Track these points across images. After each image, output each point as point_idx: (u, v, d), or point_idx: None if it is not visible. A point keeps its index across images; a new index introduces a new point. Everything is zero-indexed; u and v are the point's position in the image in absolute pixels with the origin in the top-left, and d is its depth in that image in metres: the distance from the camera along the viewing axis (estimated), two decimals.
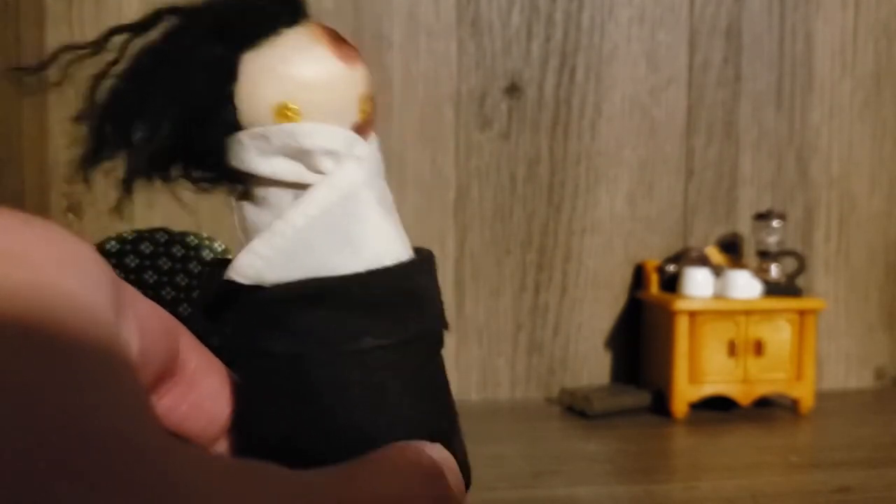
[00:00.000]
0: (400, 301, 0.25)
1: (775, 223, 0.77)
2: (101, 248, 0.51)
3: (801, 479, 0.56)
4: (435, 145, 0.77)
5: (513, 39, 0.78)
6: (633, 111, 0.80)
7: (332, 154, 0.25)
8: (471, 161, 0.77)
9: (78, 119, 0.26)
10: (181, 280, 0.52)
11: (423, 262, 0.27)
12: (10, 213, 0.18)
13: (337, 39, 0.26)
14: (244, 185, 0.26)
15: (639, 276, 0.80)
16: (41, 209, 0.69)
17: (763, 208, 0.80)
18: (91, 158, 0.26)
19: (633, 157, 0.80)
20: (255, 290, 0.25)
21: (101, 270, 0.19)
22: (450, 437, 0.26)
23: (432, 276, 0.27)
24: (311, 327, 0.24)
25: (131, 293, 0.21)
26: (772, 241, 0.77)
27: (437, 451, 0.23)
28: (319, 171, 0.25)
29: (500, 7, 0.77)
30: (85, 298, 0.17)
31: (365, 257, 0.25)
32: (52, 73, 0.26)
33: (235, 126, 0.25)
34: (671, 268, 0.77)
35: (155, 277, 0.50)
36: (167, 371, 0.24)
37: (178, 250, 0.53)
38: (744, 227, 0.82)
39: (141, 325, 0.21)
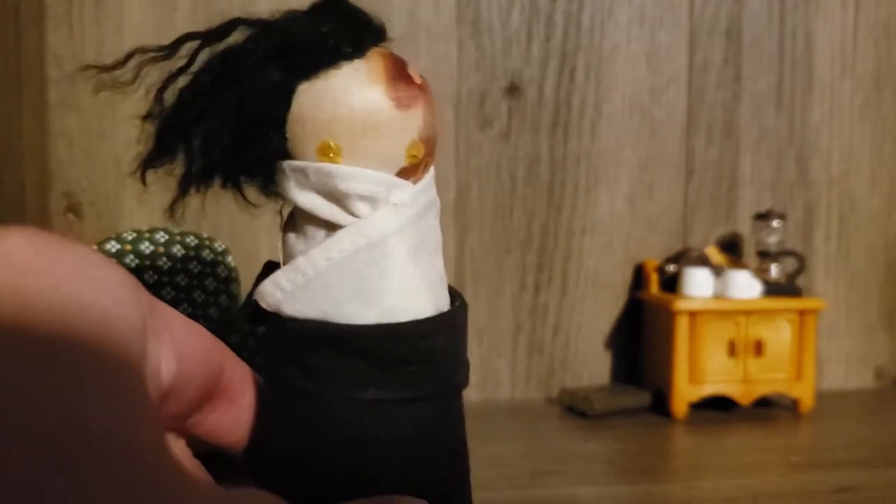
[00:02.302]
0: (412, 360, 0.25)
1: (775, 223, 0.77)
2: (101, 249, 0.51)
3: (801, 479, 0.56)
4: None
5: (513, 39, 0.78)
6: (633, 111, 0.80)
7: (367, 199, 0.25)
8: (471, 161, 0.77)
9: (146, 119, 0.26)
10: (181, 280, 0.52)
11: (447, 318, 0.26)
12: (45, 235, 0.18)
13: (397, 78, 0.25)
14: (290, 207, 0.27)
15: (639, 276, 0.80)
16: (41, 209, 0.69)
17: (763, 208, 0.80)
18: (151, 159, 0.26)
19: (633, 157, 0.80)
20: (274, 318, 0.25)
21: (131, 293, 0.19)
22: (455, 487, 0.26)
23: (456, 332, 0.26)
24: (321, 367, 0.24)
25: (170, 317, 0.22)
26: (772, 241, 0.77)
27: None
28: (354, 214, 0.25)
29: (500, 7, 0.77)
30: (110, 316, 0.17)
31: (379, 310, 0.24)
32: (124, 73, 0.26)
33: (284, 153, 0.25)
34: (671, 268, 0.77)
35: (155, 277, 0.50)
36: (213, 390, 0.24)
37: (178, 250, 0.53)
38: (744, 227, 0.82)
39: (179, 348, 0.21)
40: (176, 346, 0.21)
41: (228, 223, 0.70)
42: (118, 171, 0.70)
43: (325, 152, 0.24)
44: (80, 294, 0.17)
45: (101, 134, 0.71)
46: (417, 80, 0.25)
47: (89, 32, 0.70)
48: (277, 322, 0.25)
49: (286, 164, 0.25)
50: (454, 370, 0.26)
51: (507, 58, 0.77)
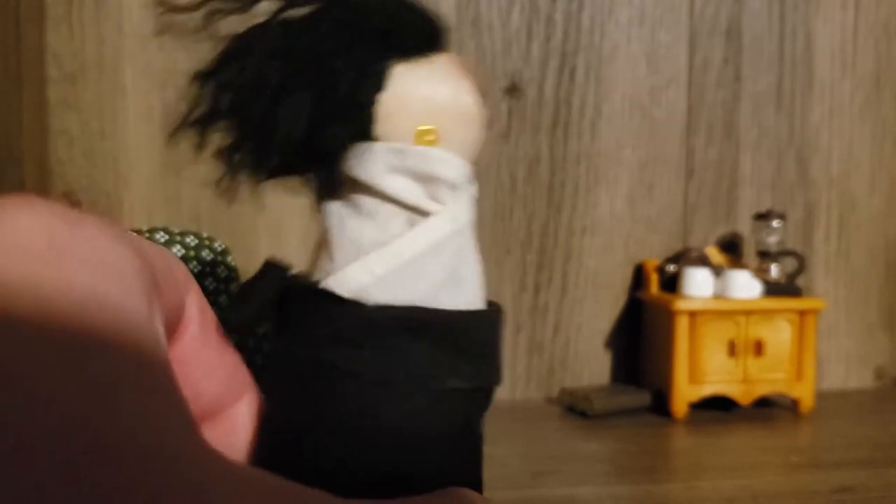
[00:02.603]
0: (486, 349, 0.25)
1: (775, 223, 0.77)
2: None
3: (801, 479, 0.56)
4: None
5: (513, 39, 0.78)
6: (633, 111, 0.80)
7: (455, 188, 0.25)
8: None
9: (202, 76, 0.24)
10: None
11: (499, 313, 0.26)
12: (52, 213, 0.17)
13: (475, 78, 0.25)
14: (346, 192, 0.25)
15: (639, 276, 0.80)
16: None
17: (763, 208, 0.80)
18: (202, 122, 0.24)
19: (633, 157, 0.80)
20: (355, 305, 0.24)
21: (138, 270, 0.18)
22: (480, 482, 0.26)
23: (502, 327, 0.27)
24: (407, 355, 0.23)
25: (157, 270, 0.20)
26: (772, 241, 0.77)
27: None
28: (437, 201, 0.25)
29: (500, 7, 0.77)
30: (125, 306, 0.17)
31: (464, 296, 0.25)
32: (192, 18, 0.24)
33: (367, 134, 0.24)
34: (671, 268, 0.77)
35: None
36: (172, 332, 0.22)
37: (178, 250, 0.53)
38: (744, 227, 0.82)
39: (164, 303, 0.20)
40: (163, 312, 0.20)
41: (228, 223, 0.70)
42: (118, 171, 0.70)
43: (424, 136, 0.24)
44: (95, 283, 0.16)
45: (101, 134, 0.71)
46: None
47: (89, 32, 0.70)
48: (358, 309, 0.24)
49: (380, 144, 0.24)
50: (500, 364, 0.26)
51: (507, 58, 0.77)
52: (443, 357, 0.24)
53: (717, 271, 0.75)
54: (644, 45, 0.80)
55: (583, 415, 0.72)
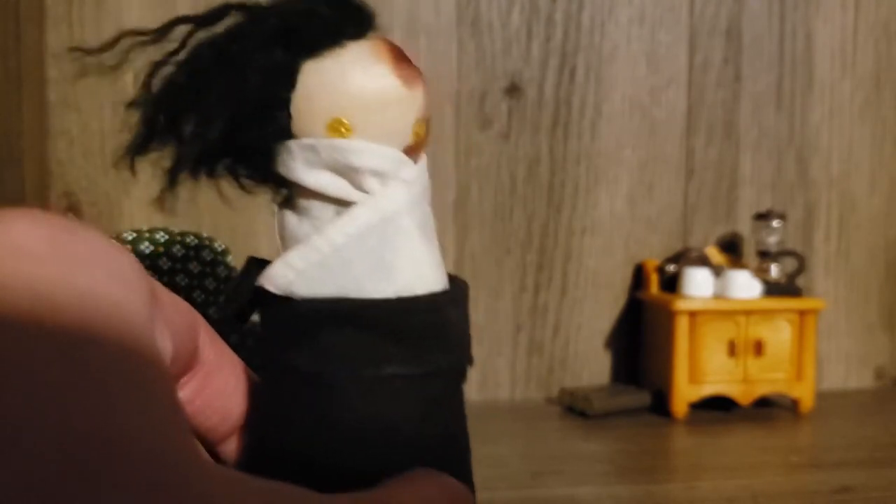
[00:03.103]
0: (427, 333, 0.25)
1: (775, 223, 0.77)
2: None
3: (801, 479, 0.56)
4: (435, 145, 0.77)
5: (513, 39, 0.78)
6: (633, 111, 0.80)
7: (379, 175, 0.25)
8: (471, 161, 0.77)
9: (132, 105, 0.25)
10: (181, 280, 0.52)
11: (455, 293, 0.26)
12: (51, 218, 0.17)
13: (400, 58, 0.25)
14: (288, 190, 0.26)
15: (639, 276, 0.80)
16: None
17: (763, 208, 0.80)
18: (139, 146, 0.26)
19: (633, 157, 0.80)
20: (285, 301, 0.25)
21: (138, 278, 0.18)
22: (463, 467, 0.26)
23: (464, 308, 0.27)
24: (336, 347, 0.24)
25: (162, 293, 0.21)
26: (772, 241, 0.77)
27: (448, 482, 0.23)
28: (364, 190, 0.25)
29: (500, 7, 0.77)
30: (126, 308, 0.17)
31: (397, 284, 0.24)
32: (111, 56, 0.25)
33: (287, 133, 0.25)
34: (671, 268, 0.77)
35: (155, 277, 0.50)
36: (187, 366, 0.23)
37: (178, 250, 0.53)
38: (744, 227, 0.82)
39: (171, 328, 0.21)
40: (169, 329, 0.21)
41: (228, 223, 0.70)
42: (118, 172, 0.70)
43: (337, 129, 0.24)
44: (95, 285, 0.16)
45: (101, 134, 0.71)
46: (414, 63, 0.26)
47: (89, 32, 0.70)
48: (288, 305, 0.25)
49: (294, 142, 0.25)
50: (463, 346, 0.26)
51: (507, 58, 0.77)
52: (372, 345, 0.24)
53: (717, 271, 0.75)
54: (644, 45, 0.80)
55: (583, 415, 0.72)
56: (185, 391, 0.24)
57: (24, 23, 0.66)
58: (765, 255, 0.77)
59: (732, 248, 0.82)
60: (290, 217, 0.26)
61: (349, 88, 0.24)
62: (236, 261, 0.59)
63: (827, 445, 0.66)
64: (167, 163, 0.26)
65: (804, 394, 0.74)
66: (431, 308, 0.25)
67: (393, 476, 0.22)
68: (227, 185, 0.27)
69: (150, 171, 0.27)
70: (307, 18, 0.24)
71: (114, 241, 0.19)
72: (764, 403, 0.75)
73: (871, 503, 0.51)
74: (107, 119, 0.71)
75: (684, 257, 0.76)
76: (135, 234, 0.53)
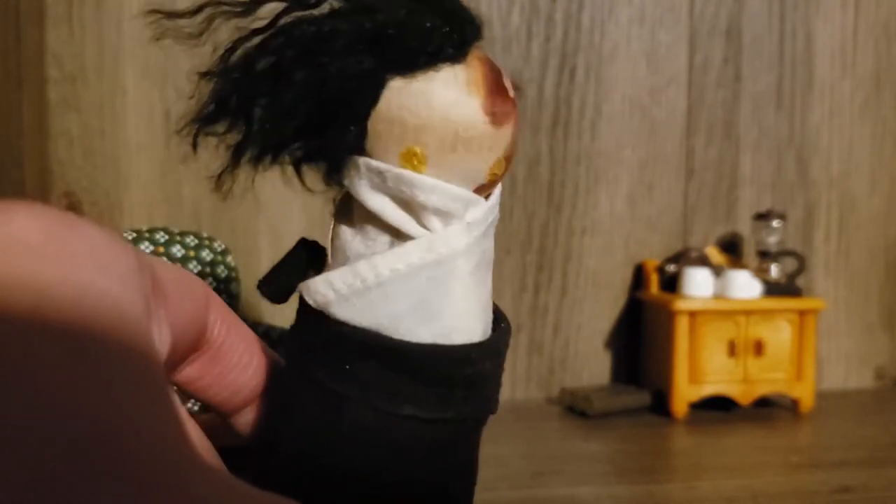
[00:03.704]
0: (456, 383, 0.24)
1: (775, 223, 0.77)
2: None
3: (801, 479, 0.56)
4: None
5: (513, 39, 0.78)
6: (633, 111, 0.80)
7: (442, 214, 0.23)
8: None
9: (206, 75, 0.24)
10: None
11: (494, 344, 0.25)
12: (49, 212, 0.17)
13: (495, 91, 0.23)
14: (347, 199, 0.25)
15: (639, 276, 0.80)
16: None
17: (763, 208, 0.80)
18: (207, 119, 0.24)
19: (633, 157, 0.80)
20: (320, 316, 0.24)
21: (136, 270, 0.18)
22: None
23: (500, 357, 0.25)
24: (359, 374, 0.23)
25: (164, 277, 0.20)
26: (772, 241, 0.77)
27: None
28: (424, 226, 0.24)
29: (499, 7, 0.77)
30: (125, 302, 0.17)
31: (434, 330, 0.23)
32: (192, 23, 0.24)
33: (359, 148, 0.23)
34: (671, 268, 0.77)
35: None
36: (196, 344, 0.23)
37: (178, 250, 0.53)
38: (744, 227, 0.82)
39: (173, 317, 0.20)
40: (170, 319, 0.21)
41: (228, 223, 0.70)
42: (118, 171, 0.70)
43: (410, 159, 0.23)
44: (95, 280, 0.16)
45: (101, 134, 0.71)
46: (511, 94, 0.24)
47: (89, 32, 0.70)
48: (321, 322, 0.24)
49: (363, 161, 0.23)
50: (490, 396, 0.25)
51: (507, 58, 0.77)
52: (397, 384, 0.23)
53: (717, 271, 0.75)
54: (644, 45, 0.80)
55: (583, 415, 0.72)
56: (195, 367, 0.24)
57: (24, 23, 0.66)
58: (765, 255, 0.77)
59: (732, 248, 0.82)
60: (345, 228, 0.25)
61: (432, 119, 0.22)
62: (236, 260, 0.59)
63: (827, 445, 0.66)
64: (232, 141, 0.24)
65: (804, 394, 0.74)
66: (464, 361, 0.24)
67: (393, 500, 0.22)
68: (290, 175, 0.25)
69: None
70: (406, 29, 0.22)
71: (115, 235, 0.18)
72: (764, 403, 0.75)
73: (871, 503, 0.51)
74: (107, 119, 0.71)
75: (684, 257, 0.76)
76: (135, 234, 0.53)
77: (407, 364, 0.23)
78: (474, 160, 0.23)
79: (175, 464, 0.15)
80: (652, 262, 0.79)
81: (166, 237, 0.53)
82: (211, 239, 0.56)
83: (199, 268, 0.53)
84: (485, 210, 0.24)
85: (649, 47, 0.80)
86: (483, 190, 0.24)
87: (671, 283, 0.77)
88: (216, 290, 0.54)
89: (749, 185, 0.83)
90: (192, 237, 0.55)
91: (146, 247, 0.52)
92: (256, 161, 0.24)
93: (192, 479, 0.15)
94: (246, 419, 0.26)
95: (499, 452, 0.60)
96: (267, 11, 0.23)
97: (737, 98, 0.82)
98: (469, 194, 0.24)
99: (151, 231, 0.53)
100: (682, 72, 0.81)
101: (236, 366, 0.25)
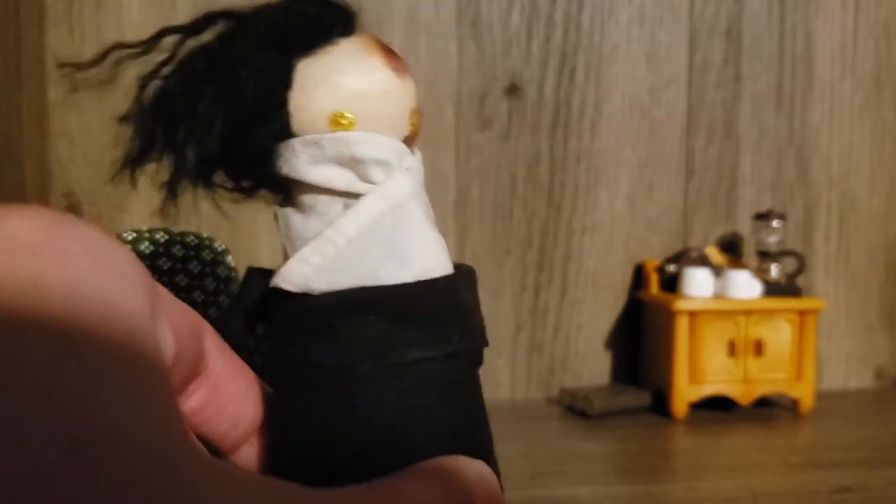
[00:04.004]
0: (446, 314, 0.25)
1: (775, 223, 0.77)
2: None
3: (801, 479, 0.56)
4: (435, 146, 0.77)
5: (513, 39, 0.78)
6: (633, 111, 0.80)
7: (383, 164, 0.25)
8: (471, 161, 0.77)
9: (124, 119, 0.26)
10: (181, 280, 0.52)
11: (467, 276, 0.26)
12: (46, 213, 0.17)
13: (388, 51, 0.26)
14: (288, 192, 0.26)
15: (639, 276, 0.80)
16: None
17: (763, 208, 0.80)
18: (136, 159, 0.26)
19: (633, 157, 0.80)
20: (303, 298, 0.25)
21: (137, 273, 0.18)
22: (489, 453, 0.26)
23: (475, 291, 0.27)
24: (361, 337, 0.24)
25: (164, 294, 0.21)
26: (772, 241, 0.77)
27: (478, 467, 0.23)
28: (370, 181, 0.25)
29: (500, 7, 0.77)
30: (120, 300, 0.17)
31: (413, 269, 0.25)
32: (101, 71, 0.26)
33: (287, 132, 0.25)
34: (671, 268, 0.77)
35: (155, 277, 0.50)
36: (193, 372, 0.23)
37: (178, 250, 0.53)
38: (744, 227, 0.82)
39: (174, 327, 0.21)
40: (172, 327, 0.21)
41: (228, 223, 0.70)
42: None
43: (339, 122, 0.25)
44: (91, 279, 0.16)
45: (101, 134, 0.71)
46: (399, 57, 0.26)
47: (89, 32, 0.70)
48: (304, 301, 0.25)
49: (296, 140, 0.25)
50: (479, 327, 0.26)
51: (507, 58, 0.77)
52: (395, 331, 0.24)
53: (717, 271, 0.75)
54: (644, 45, 0.80)
55: (583, 415, 0.72)
56: (195, 398, 0.24)
57: (24, 23, 0.66)
58: (765, 255, 0.77)
59: (732, 248, 0.82)
60: (295, 216, 0.26)
61: (347, 81, 0.25)
62: (236, 260, 0.59)
63: (827, 445, 0.66)
64: (166, 174, 0.26)
65: (804, 394, 0.74)
66: (449, 288, 0.25)
67: (417, 458, 0.22)
68: (224, 195, 0.27)
69: (150, 174, 0.27)
70: (296, 19, 0.25)
71: (112, 236, 0.18)
72: (764, 403, 0.75)
73: (871, 503, 0.51)
74: (107, 119, 0.70)
75: (684, 257, 0.76)
76: (135, 234, 0.53)
77: (403, 306, 0.24)
78: (394, 111, 0.25)
79: (170, 462, 0.15)
80: (652, 262, 0.79)
81: (166, 237, 0.53)
82: (211, 239, 0.56)
83: (199, 268, 0.53)
84: (417, 160, 0.26)
85: (649, 47, 0.80)
86: (409, 142, 0.26)
87: (671, 283, 0.77)
88: (216, 290, 0.54)
89: (749, 185, 0.83)
90: (192, 237, 0.55)
91: (146, 247, 0.52)
92: (193, 183, 0.26)
93: (189, 476, 0.15)
94: (244, 455, 0.26)
95: (499, 452, 0.59)
96: (167, 44, 0.25)
97: (737, 98, 0.82)
98: (399, 144, 0.26)
99: (151, 231, 0.54)
100: (682, 72, 0.81)
101: (235, 396, 0.25)
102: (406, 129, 0.26)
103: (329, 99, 0.25)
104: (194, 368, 0.23)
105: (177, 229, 0.56)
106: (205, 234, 0.56)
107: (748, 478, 0.55)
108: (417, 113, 0.27)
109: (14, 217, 0.17)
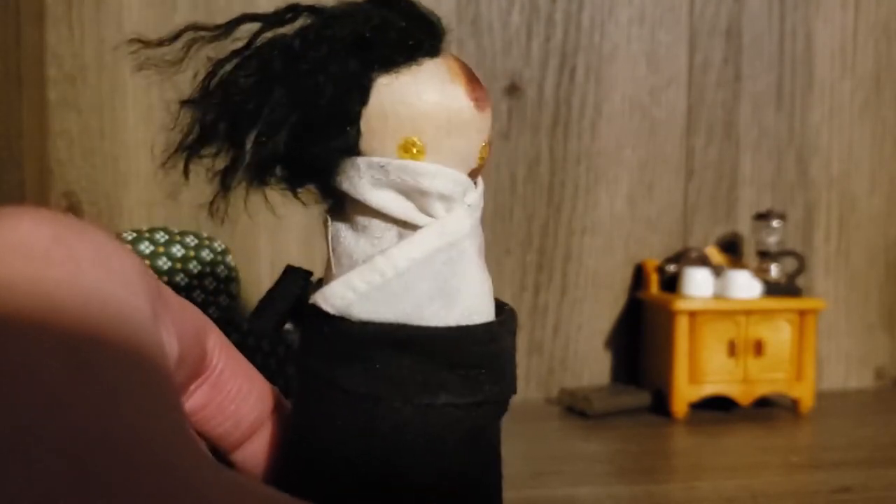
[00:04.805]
0: (483, 363, 0.24)
1: (775, 223, 0.77)
2: None
3: (801, 479, 0.56)
4: None
5: (513, 39, 0.78)
6: (633, 111, 0.80)
7: (446, 199, 0.24)
8: None
9: (187, 103, 0.24)
10: (181, 280, 0.52)
11: (509, 320, 0.26)
12: (55, 216, 0.17)
13: (473, 79, 0.25)
14: (343, 205, 0.25)
15: (639, 276, 0.80)
16: None
17: (763, 208, 0.80)
18: (192, 147, 0.25)
19: (633, 157, 0.80)
20: (340, 321, 0.24)
21: (143, 277, 0.18)
22: (496, 497, 0.26)
23: (514, 337, 0.26)
24: (392, 372, 0.23)
25: (168, 294, 0.21)
26: (772, 241, 0.77)
27: None
28: (429, 214, 0.24)
29: (500, 7, 0.77)
30: (128, 307, 0.17)
31: (457, 312, 0.24)
32: (173, 51, 0.24)
33: (354, 149, 0.24)
34: (671, 268, 0.77)
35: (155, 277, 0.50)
36: (195, 372, 0.23)
37: (177, 250, 0.53)
38: (744, 227, 0.82)
39: (178, 328, 0.20)
40: (175, 327, 0.20)
41: (228, 223, 0.70)
42: (118, 171, 0.70)
43: (409, 149, 0.24)
44: (100, 285, 0.16)
45: (101, 134, 0.71)
46: (483, 85, 0.25)
47: (89, 32, 0.70)
48: (341, 325, 0.24)
49: (362, 160, 0.24)
50: (512, 375, 0.26)
51: (507, 58, 0.77)
52: (429, 373, 0.23)
53: (717, 271, 0.75)
54: (644, 45, 0.80)
55: (583, 415, 0.72)
56: (196, 397, 0.24)
57: (24, 23, 0.66)
58: (765, 255, 0.77)
59: (732, 248, 0.82)
60: (346, 232, 0.25)
61: (425, 108, 0.24)
62: (236, 260, 0.59)
63: (827, 445, 0.66)
64: (220, 166, 0.25)
65: (804, 394, 0.74)
66: (489, 338, 0.25)
67: (438, 495, 0.22)
68: (274, 188, 0.25)
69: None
70: (384, 30, 0.24)
71: (120, 243, 0.18)
72: (764, 403, 0.75)
73: (871, 503, 0.51)
74: (107, 119, 0.71)
75: (684, 257, 0.76)
76: (135, 234, 0.53)
77: (441, 350, 0.23)
78: (466, 144, 0.24)
79: (179, 471, 0.14)
80: (652, 262, 0.79)
81: (166, 237, 0.53)
82: (211, 239, 0.56)
83: (199, 268, 0.53)
84: (479, 193, 0.26)
85: (649, 47, 0.80)
86: (474, 174, 0.25)
87: (671, 283, 0.77)
88: (216, 290, 0.54)
89: (749, 185, 0.83)
90: (192, 237, 0.55)
91: (146, 247, 0.52)
92: (248, 185, 0.24)
93: (197, 485, 0.15)
94: (244, 455, 0.25)
95: None
96: (243, 32, 0.24)
97: (737, 98, 0.82)
98: (466, 178, 0.25)
99: (151, 231, 0.53)
100: (682, 72, 0.81)
101: (237, 395, 0.24)
102: (475, 163, 0.25)
103: (402, 123, 0.24)
104: (197, 368, 0.23)
105: (177, 229, 0.56)
106: (205, 234, 0.56)
107: (748, 478, 0.55)
108: (489, 146, 0.25)
109: (24, 222, 0.16)
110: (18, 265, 0.15)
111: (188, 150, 0.25)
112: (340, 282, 0.24)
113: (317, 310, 0.24)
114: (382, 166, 0.24)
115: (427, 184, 0.24)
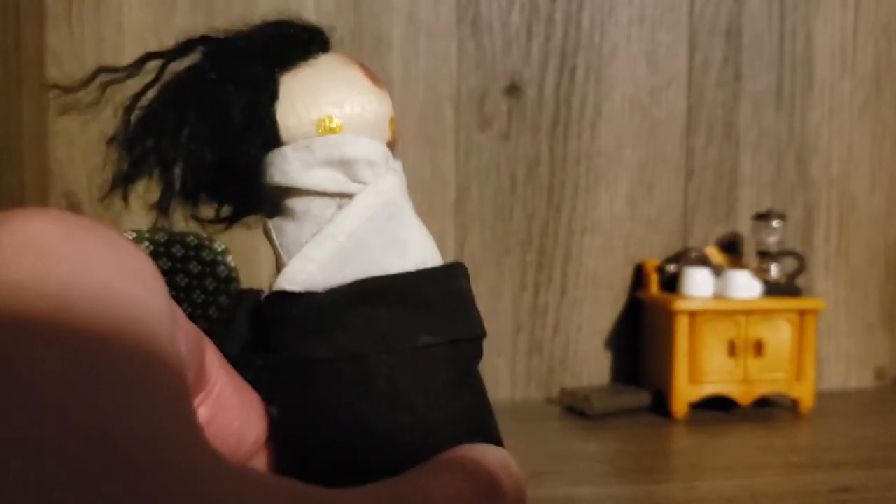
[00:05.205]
0: (450, 301, 0.26)
1: (775, 223, 0.77)
2: None
3: (801, 479, 0.56)
4: (435, 145, 0.77)
5: (513, 39, 0.78)
6: (633, 111, 0.80)
7: (372, 164, 0.26)
8: (471, 161, 0.77)
9: (112, 140, 0.26)
10: (181, 280, 0.52)
11: (460, 266, 0.27)
12: (65, 215, 0.17)
13: (365, 65, 0.27)
14: (278, 203, 0.27)
15: (639, 276, 0.80)
16: None
17: (763, 208, 0.80)
18: (126, 179, 0.27)
19: (633, 157, 0.80)
20: (307, 298, 0.25)
21: (154, 275, 0.18)
22: (500, 441, 0.26)
23: (468, 281, 0.28)
24: (370, 327, 0.24)
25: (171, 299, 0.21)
26: (772, 241, 0.77)
27: (498, 454, 0.23)
28: (361, 181, 0.26)
29: (500, 7, 0.77)
30: (141, 303, 0.16)
31: (412, 259, 0.26)
32: (88, 93, 0.26)
33: (275, 142, 0.26)
34: (671, 268, 0.77)
35: None
36: (197, 383, 0.23)
37: (178, 250, 0.53)
38: (744, 227, 0.82)
39: (182, 325, 0.20)
40: (183, 333, 0.20)
41: None
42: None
43: (327, 126, 0.26)
44: (111, 282, 0.16)
45: (101, 134, 0.71)
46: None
47: (89, 32, 0.70)
48: (310, 300, 0.25)
49: (286, 148, 0.26)
50: (478, 316, 0.27)
51: (507, 58, 0.77)
52: (404, 318, 0.25)
53: (717, 271, 0.75)
54: (644, 45, 0.80)
55: (583, 415, 0.72)
56: (200, 415, 0.23)
57: (24, 23, 0.66)
58: (765, 255, 0.77)
59: (732, 248, 0.82)
60: (288, 223, 0.27)
61: (331, 88, 0.26)
62: (236, 260, 0.59)
63: (827, 445, 0.66)
64: (155, 195, 0.27)
65: (804, 394, 0.74)
66: (449, 277, 0.26)
67: (437, 443, 0.22)
68: (207, 226, 0.28)
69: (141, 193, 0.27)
70: (279, 38, 0.26)
71: (136, 247, 0.18)
72: (764, 403, 0.75)
73: (871, 503, 0.51)
74: (107, 119, 0.70)
75: (684, 257, 0.76)
76: (135, 234, 0.53)
77: (410, 293, 0.25)
78: (376, 117, 0.27)
79: (180, 471, 0.14)
80: (652, 262, 0.79)
81: (166, 237, 0.53)
82: (211, 239, 0.56)
83: (199, 268, 0.53)
84: (399, 163, 0.28)
85: (649, 47, 0.80)
86: (389, 148, 0.27)
87: (671, 283, 0.77)
88: (216, 290, 0.54)
89: (749, 185, 0.83)
90: (192, 237, 0.55)
91: (146, 247, 0.52)
92: (184, 201, 0.27)
93: (210, 482, 0.15)
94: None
95: None
96: (151, 67, 0.26)
97: (737, 98, 0.82)
98: (384, 147, 0.27)
99: (151, 231, 0.53)
100: (682, 72, 0.81)
101: (240, 413, 0.24)
102: (387, 135, 0.27)
103: (314, 105, 0.26)
104: (199, 379, 0.23)
105: (177, 229, 0.55)
106: (205, 234, 0.56)
107: (748, 478, 0.55)
108: (394, 122, 0.28)
109: (35, 221, 0.16)
110: (26, 263, 0.15)
111: (123, 181, 0.27)
112: (297, 258, 0.26)
113: (281, 296, 0.26)
114: (307, 146, 0.26)
115: (352, 151, 0.26)
